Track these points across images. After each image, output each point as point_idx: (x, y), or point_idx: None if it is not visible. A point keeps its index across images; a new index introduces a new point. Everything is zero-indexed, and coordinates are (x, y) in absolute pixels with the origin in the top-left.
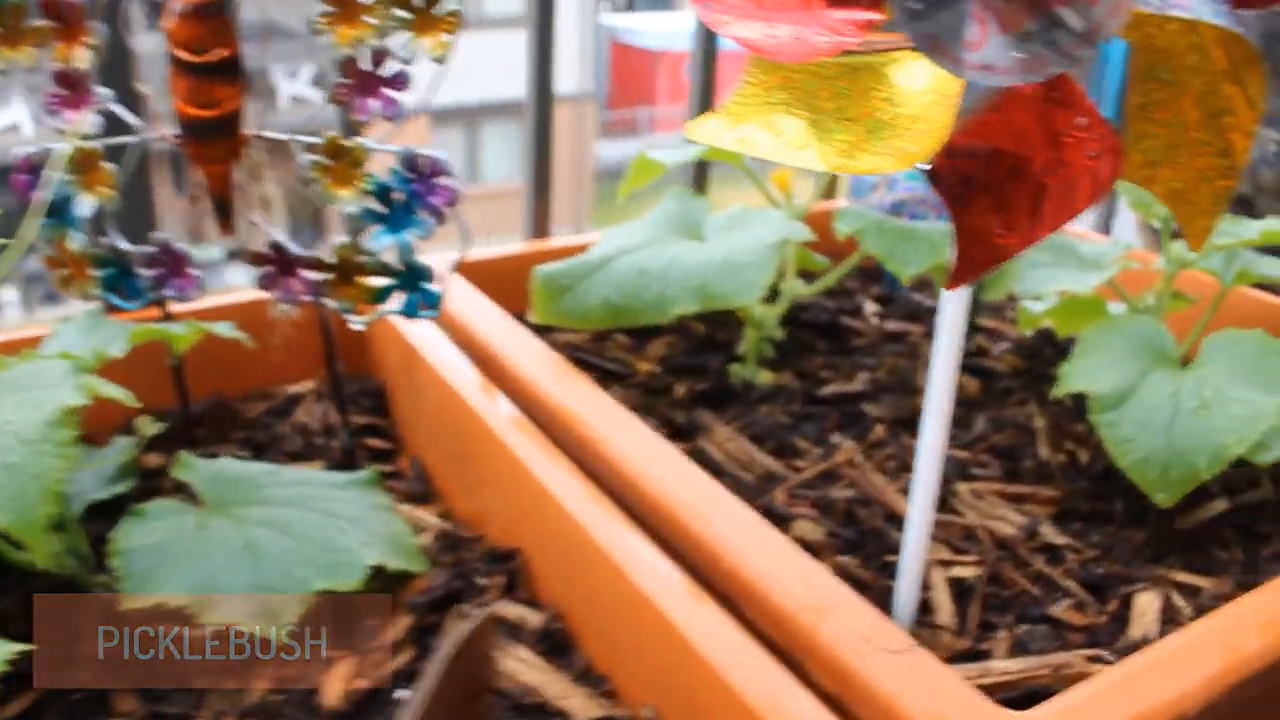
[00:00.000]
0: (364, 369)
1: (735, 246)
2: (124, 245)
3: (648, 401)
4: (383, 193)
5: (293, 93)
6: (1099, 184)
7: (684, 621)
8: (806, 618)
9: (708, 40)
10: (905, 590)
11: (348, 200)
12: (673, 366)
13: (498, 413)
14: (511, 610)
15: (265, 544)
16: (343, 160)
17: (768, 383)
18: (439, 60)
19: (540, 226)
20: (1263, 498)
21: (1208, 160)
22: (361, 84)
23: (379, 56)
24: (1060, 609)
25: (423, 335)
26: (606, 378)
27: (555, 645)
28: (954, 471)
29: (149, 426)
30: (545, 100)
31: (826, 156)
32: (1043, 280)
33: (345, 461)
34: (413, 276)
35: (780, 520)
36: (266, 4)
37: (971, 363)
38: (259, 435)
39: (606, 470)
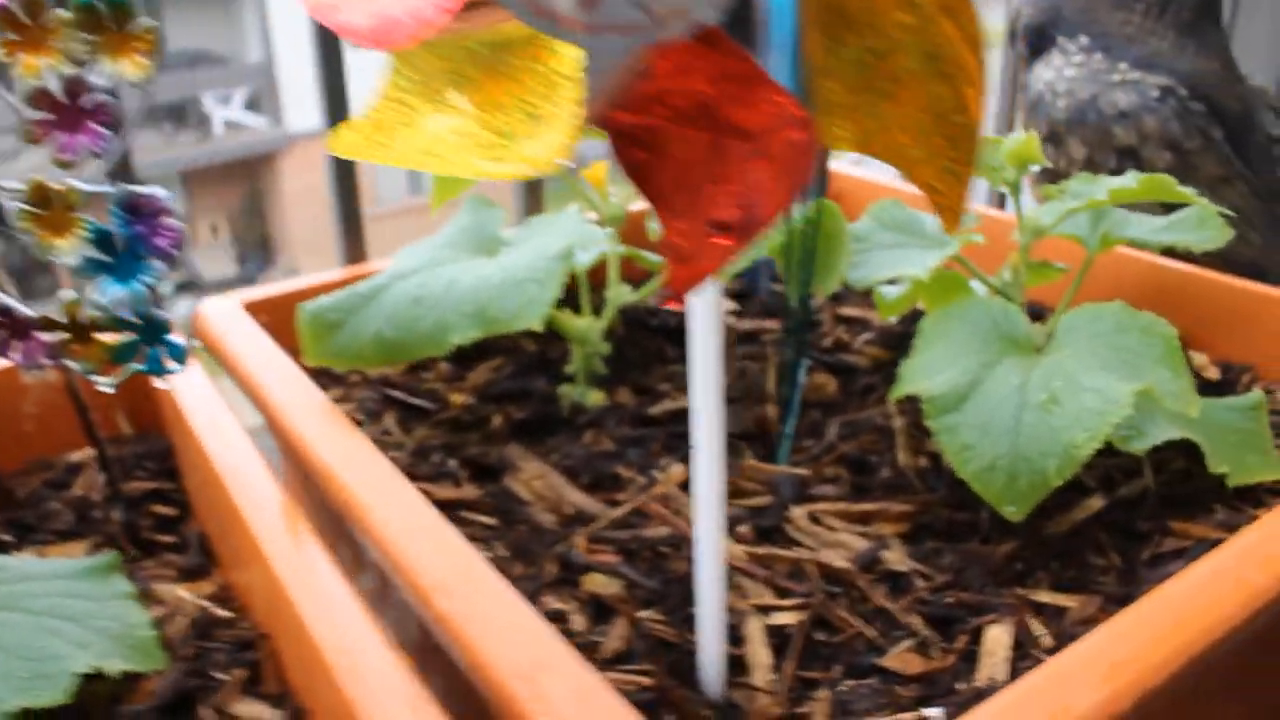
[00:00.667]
0: (152, 427)
1: (520, 261)
2: None
3: (455, 439)
4: (104, 239)
5: (226, 118)
6: (799, 158)
7: None
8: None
9: None
10: (709, 650)
11: (66, 250)
12: (492, 394)
13: (244, 481)
14: (248, 709)
15: None
16: (55, 206)
17: (599, 404)
18: (140, 85)
19: (354, 251)
20: (1144, 488)
21: (940, 122)
22: (61, 119)
23: (75, 86)
24: (897, 654)
25: (189, 388)
26: (412, 416)
27: None
28: (792, 493)
29: None
30: (338, 101)
31: (473, 159)
32: (878, 265)
33: (128, 534)
34: (152, 330)
35: (577, 571)
36: (194, 30)
37: (831, 359)
38: (28, 514)
39: (371, 544)
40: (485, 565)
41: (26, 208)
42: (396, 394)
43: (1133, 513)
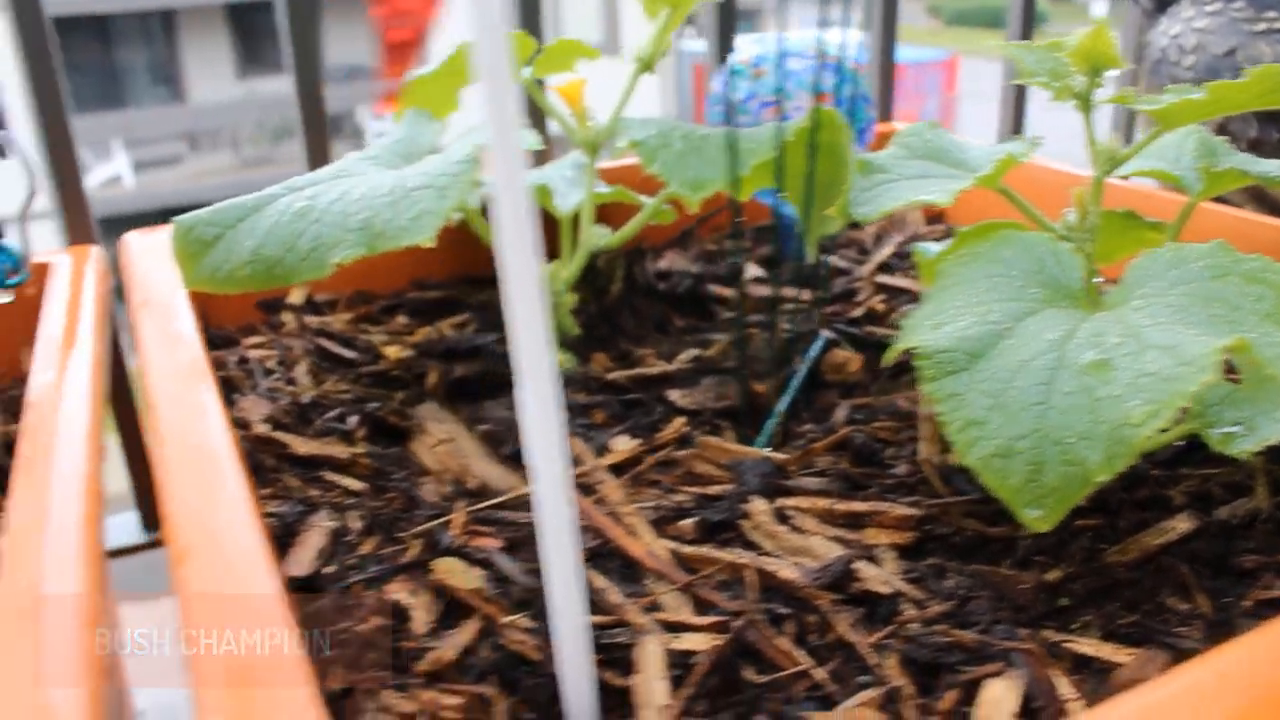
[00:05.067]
0: None
1: (421, 169)
2: None
3: (372, 393)
4: None
5: (379, 130)
6: None
7: None
8: None
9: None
10: (570, 676)
11: None
12: (438, 350)
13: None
14: None
15: None
16: None
17: (564, 368)
18: None
19: None
20: (1253, 509)
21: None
22: None
23: None
24: (851, 708)
25: (52, 316)
26: (332, 366)
27: None
28: (758, 483)
29: None
30: None
31: None
32: (884, 197)
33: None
34: None
35: (444, 553)
36: (351, 45)
37: (858, 332)
38: None
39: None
40: (254, 539)
41: None
42: (326, 343)
43: (1234, 542)
